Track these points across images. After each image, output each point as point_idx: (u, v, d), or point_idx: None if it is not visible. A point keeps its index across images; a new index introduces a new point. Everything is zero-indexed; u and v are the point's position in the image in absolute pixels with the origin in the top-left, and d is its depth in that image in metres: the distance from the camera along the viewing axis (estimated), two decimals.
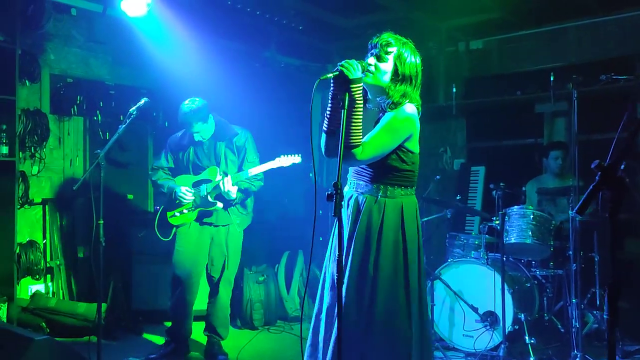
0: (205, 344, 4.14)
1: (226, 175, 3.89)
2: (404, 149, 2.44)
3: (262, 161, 3.98)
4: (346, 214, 2.56)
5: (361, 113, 2.38)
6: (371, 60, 2.45)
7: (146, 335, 4.56)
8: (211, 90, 5.09)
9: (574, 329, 3.75)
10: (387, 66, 2.44)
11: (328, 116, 2.46)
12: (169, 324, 4.24)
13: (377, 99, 2.51)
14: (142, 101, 3.54)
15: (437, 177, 5.04)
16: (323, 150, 2.54)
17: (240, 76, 5.50)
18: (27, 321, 4.23)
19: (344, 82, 2.32)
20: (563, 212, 4.43)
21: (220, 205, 3.93)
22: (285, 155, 3.91)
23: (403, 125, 2.40)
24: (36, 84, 4.63)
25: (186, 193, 3.91)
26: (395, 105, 2.43)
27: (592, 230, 4.17)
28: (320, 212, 6.07)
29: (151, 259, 4.81)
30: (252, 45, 5.91)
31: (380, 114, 2.52)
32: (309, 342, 2.62)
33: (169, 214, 4.00)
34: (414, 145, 2.49)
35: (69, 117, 4.89)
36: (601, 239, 4.16)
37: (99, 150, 3.26)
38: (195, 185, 3.99)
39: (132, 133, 4.70)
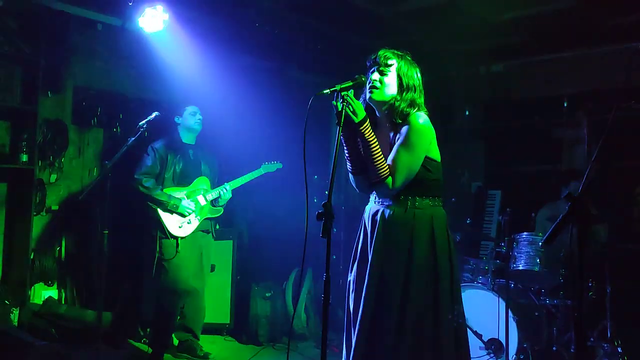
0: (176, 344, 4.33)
1: (215, 183, 4.28)
2: (427, 158, 2.46)
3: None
4: (368, 229, 2.55)
5: (377, 145, 2.43)
6: (375, 76, 2.48)
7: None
8: (232, 105, 5.20)
9: None
10: (391, 79, 2.48)
11: (348, 159, 2.55)
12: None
13: (386, 113, 2.52)
14: (153, 115, 3.64)
15: (453, 199, 4.99)
16: (356, 188, 2.64)
17: (261, 92, 5.58)
18: (37, 326, 4.31)
19: (351, 125, 2.39)
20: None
21: (221, 210, 4.28)
22: (268, 163, 4.46)
23: (421, 136, 2.42)
24: (59, 95, 4.78)
25: (190, 204, 4.09)
26: (405, 115, 2.45)
27: (605, 261, 4.06)
28: (335, 230, 6.09)
29: None
30: (274, 62, 5.99)
31: (391, 129, 2.53)
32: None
33: (170, 226, 4.05)
34: (436, 153, 2.50)
35: (89, 128, 5.02)
36: (613, 269, 4.05)
37: (107, 162, 3.34)
38: (188, 196, 4.15)
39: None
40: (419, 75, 2.53)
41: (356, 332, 2.42)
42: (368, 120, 2.41)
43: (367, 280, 2.44)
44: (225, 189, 4.23)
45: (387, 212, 2.48)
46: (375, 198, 2.59)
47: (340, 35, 5.46)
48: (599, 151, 1.45)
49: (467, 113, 5.73)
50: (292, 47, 5.68)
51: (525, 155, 5.91)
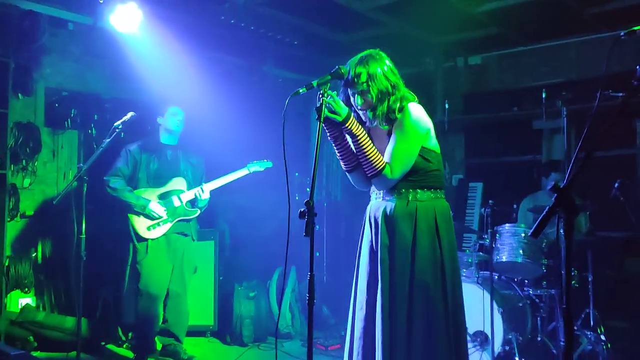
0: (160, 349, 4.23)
1: (198, 184, 4.12)
2: (425, 148, 2.42)
3: None
4: (371, 226, 2.51)
5: (367, 138, 2.39)
6: (359, 100, 2.43)
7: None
8: (208, 103, 5.11)
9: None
10: (372, 93, 2.41)
11: (341, 158, 2.51)
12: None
13: (380, 119, 2.46)
14: (129, 115, 3.56)
15: None
16: (354, 184, 2.60)
17: (238, 90, 5.51)
18: (15, 335, 4.22)
19: (337, 124, 2.34)
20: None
21: (198, 212, 4.14)
22: (255, 161, 4.29)
23: (416, 125, 2.39)
24: (30, 98, 4.65)
25: (158, 208, 3.97)
26: (398, 111, 2.42)
27: (586, 249, 4.08)
28: (317, 227, 6.06)
29: None
30: (250, 59, 5.92)
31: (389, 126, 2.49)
32: None
33: (139, 228, 3.97)
34: (435, 144, 2.47)
35: (63, 131, 4.90)
36: (595, 258, 4.08)
37: (81, 165, 3.26)
38: (162, 197, 4.04)
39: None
40: (387, 64, 2.44)
41: (380, 332, 2.37)
42: (352, 116, 2.36)
43: (381, 277, 2.40)
44: (202, 189, 4.09)
45: (389, 206, 2.45)
46: (376, 195, 2.56)
47: (316, 30, 5.41)
48: (583, 141, 1.43)
49: (447, 106, 5.71)
50: (268, 43, 5.62)
51: (506, 146, 5.94)
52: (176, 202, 4.05)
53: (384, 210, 2.46)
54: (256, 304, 4.87)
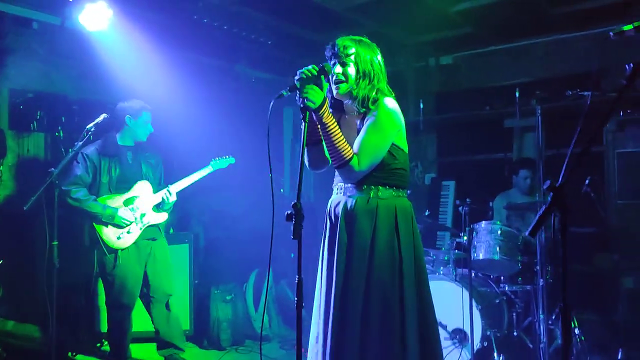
0: None
1: (158, 185, 4.01)
2: (394, 145, 2.39)
3: None
4: (331, 222, 2.47)
5: (337, 128, 2.35)
6: (338, 69, 2.40)
7: None
8: (180, 104, 5.03)
9: (542, 345, 3.73)
10: (353, 69, 2.40)
11: (304, 131, 2.43)
12: (107, 348, 4.19)
13: (354, 102, 2.44)
14: (101, 117, 3.47)
15: (408, 191, 5.00)
16: (307, 164, 2.53)
17: (211, 90, 5.43)
18: None
19: (312, 111, 2.28)
20: None
21: (166, 215, 4.00)
22: (217, 158, 4.20)
23: (389, 120, 2.36)
24: None
25: (128, 213, 3.81)
26: (373, 101, 2.39)
27: (559, 245, 4.15)
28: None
29: None
30: (222, 59, 5.84)
31: (358, 117, 2.46)
32: None
33: (108, 238, 3.81)
34: (403, 143, 2.44)
35: (28, 134, 4.74)
36: (569, 253, 4.15)
37: (52, 169, 3.15)
38: (128, 202, 3.88)
39: None
40: (378, 58, 2.45)
41: (330, 328, 2.36)
42: (327, 104, 2.32)
43: (335, 274, 2.37)
44: (169, 192, 3.94)
45: (350, 202, 2.41)
46: (337, 190, 2.52)
47: (290, 29, 5.37)
48: (577, 138, 1.44)
49: (422, 106, 5.75)
50: (242, 43, 5.56)
51: (477, 145, 6.03)
52: (143, 208, 3.89)
53: (345, 206, 2.43)
54: (233, 307, 4.81)
